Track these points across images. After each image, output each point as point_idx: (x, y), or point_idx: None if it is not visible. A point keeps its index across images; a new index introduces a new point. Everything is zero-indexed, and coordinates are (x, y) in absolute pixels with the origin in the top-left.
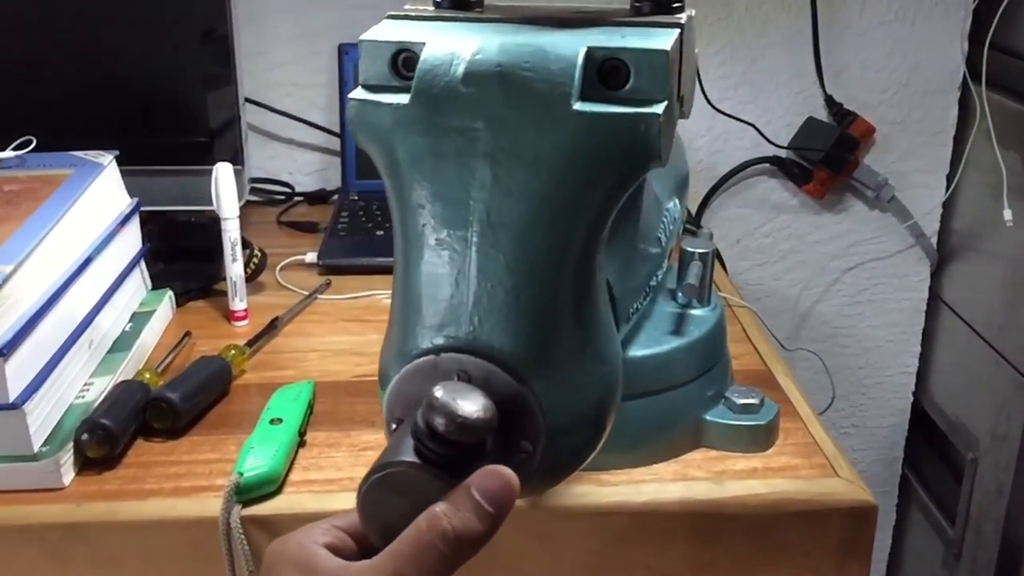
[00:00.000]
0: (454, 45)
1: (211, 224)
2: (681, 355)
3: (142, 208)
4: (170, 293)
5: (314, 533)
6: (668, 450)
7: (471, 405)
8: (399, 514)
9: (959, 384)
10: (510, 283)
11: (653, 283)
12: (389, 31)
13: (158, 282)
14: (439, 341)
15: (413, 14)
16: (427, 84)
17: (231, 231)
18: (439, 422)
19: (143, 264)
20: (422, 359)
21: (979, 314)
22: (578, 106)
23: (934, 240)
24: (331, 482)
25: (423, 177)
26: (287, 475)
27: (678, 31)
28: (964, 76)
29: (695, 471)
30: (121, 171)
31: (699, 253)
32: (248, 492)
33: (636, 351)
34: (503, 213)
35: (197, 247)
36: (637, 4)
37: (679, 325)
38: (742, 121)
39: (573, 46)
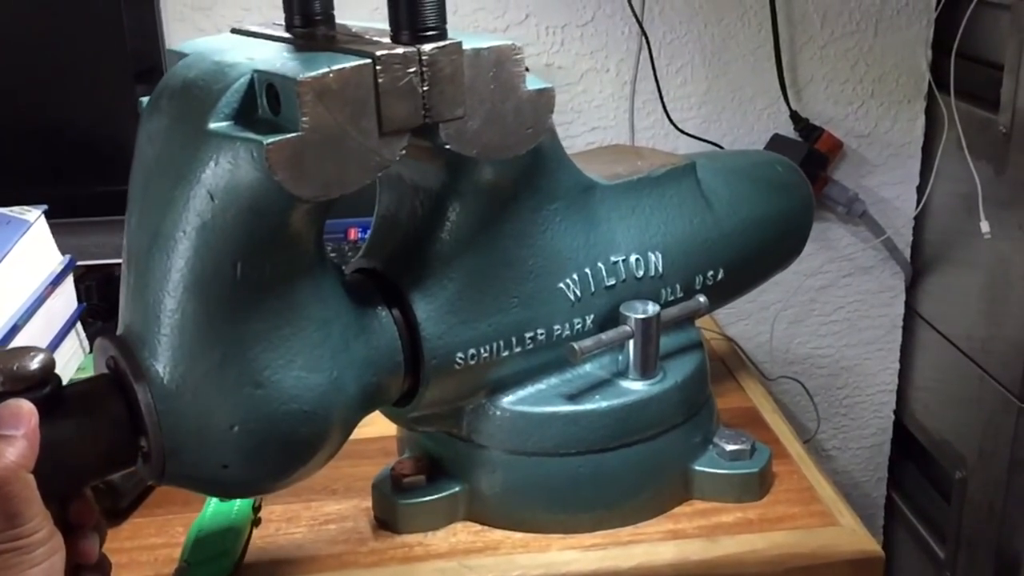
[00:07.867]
0: (197, 61)
1: None
2: (559, 422)
3: (77, 263)
4: None
5: None
6: (655, 505)
7: (14, 360)
8: None
9: (941, 401)
10: (147, 289)
11: (538, 335)
12: (197, 43)
13: None
14: (116, 329)
15: (253, 29)
16: (155, 94)
17: None
18: None
19: (79, 325)
20: (98, 339)
21: (958, 328)
22: (212, 126)
23: (907, 253)
24: (292, 563)
25: (131, 182)
26: (242, 558)
27: (360, 61)
28: (930, 85)
29: (686, 526)
30: (51, 225)
31: (634, 319)
32: None
33: (509, 402)
34: (149, 223)
35: None
36: (392, 33)
37: (583, 391)
38: (706, 141)
39: (251, 68)
